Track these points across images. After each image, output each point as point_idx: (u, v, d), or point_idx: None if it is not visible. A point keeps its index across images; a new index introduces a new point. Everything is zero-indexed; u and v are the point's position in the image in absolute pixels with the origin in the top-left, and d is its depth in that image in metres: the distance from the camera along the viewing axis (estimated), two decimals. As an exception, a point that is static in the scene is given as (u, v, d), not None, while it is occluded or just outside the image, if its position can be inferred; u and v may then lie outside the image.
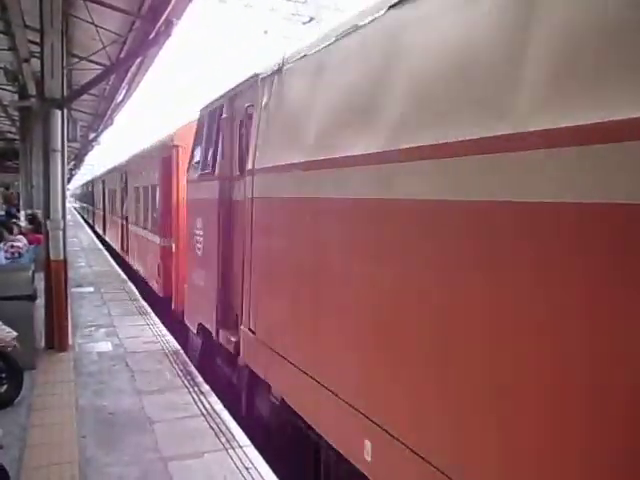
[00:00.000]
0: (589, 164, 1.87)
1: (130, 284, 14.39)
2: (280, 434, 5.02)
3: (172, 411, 5.88)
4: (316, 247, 3.98)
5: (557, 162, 1.99)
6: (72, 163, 34.43)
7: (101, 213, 28.63)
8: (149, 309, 11.18)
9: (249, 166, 5.37)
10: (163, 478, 4.50)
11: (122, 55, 11.09)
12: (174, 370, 7.28)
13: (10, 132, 23.11)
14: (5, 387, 5.96)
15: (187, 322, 8.37)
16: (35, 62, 10.33)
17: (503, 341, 2.19)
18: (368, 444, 3.09)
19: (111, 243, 23.08)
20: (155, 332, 9.28)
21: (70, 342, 8.21)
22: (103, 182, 27.47)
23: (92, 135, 22.03)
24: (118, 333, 9.11)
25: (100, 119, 19.12)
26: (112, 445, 5.04)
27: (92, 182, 39.15)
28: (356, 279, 3.35)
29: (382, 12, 3.26)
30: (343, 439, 3.57)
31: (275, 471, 4.68)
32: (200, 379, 6.95)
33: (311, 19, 21.98)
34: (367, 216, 3.24)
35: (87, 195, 46.59)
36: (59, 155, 7.72)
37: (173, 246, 10.34)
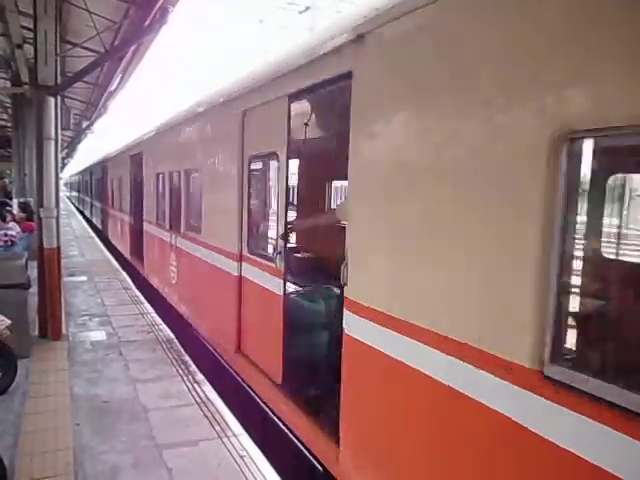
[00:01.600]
0: None
1: (123, 273, 14.36)
2: None
3: (166, 399, 5.90)
4: None
5: None
6: (65, 151, 34.14)
7: (125, 219, 16.16)
8: (142, 298, 11.17)
9: None
10: (158, 466, 4.52)
11: (116, 42, 10.98)
12: (168, 359, 7.30)
13: (2, 119, 22.87)
14: (-1, 375, 5.96)
15: None
16: (28, 48, 10.23)
17: None
18: None
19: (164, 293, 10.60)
20: (149, 321, 9.28)
21: (64, 331, 8.20)
22: (138, 159, 13.40)
23: (85, 123, 21.82)
24: (112, 322, 9.10)
25: (94, 107, 18.95)
26: (106, 433, 5.06)
27: (101, 164, 24.48)
28: None
29: None
30: None
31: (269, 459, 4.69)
32: (194, 367, 6.97)
33: (307, 8, 21.87)
34: None
35: (92, 185, 31.60)
36: (52, 143, 7.66)
37: None
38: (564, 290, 2.36)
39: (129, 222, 15.37)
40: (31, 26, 8.00)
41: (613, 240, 4.54)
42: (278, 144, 5.08)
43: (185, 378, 6.56)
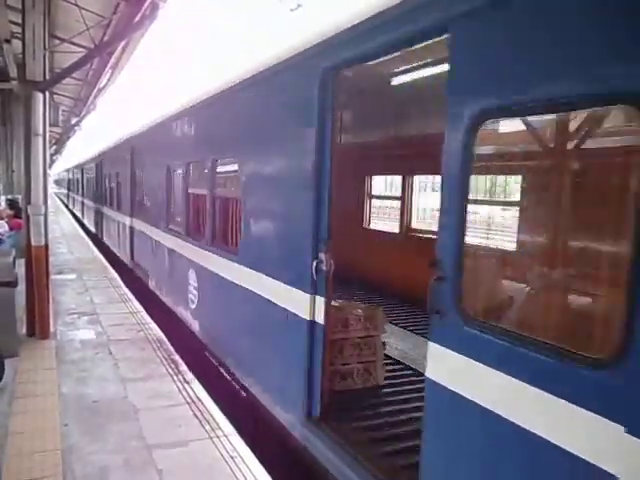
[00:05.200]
0: None
1: (112, 271, 14.22)
2: None
3: (156, 399, 5.84)
4: None
5: None
6: (53, 148, 33.82)
7: None
8: (132, 296, 11.09)
9: None
10: (147, 467, 4.47)
11: (106, 38, 10.87)
12: (158, 358, 7.23)
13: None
14: (-14, 374, 5.88)
15: None
16: (17, 43, 10.09)
17: None
18: None
19: None
20: (138, 319, 9.20)
21: (52, 330, 8.11)
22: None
23: (74, 120, 21.63)
24: (101, 320, 9.01)
25: (82, 103, 18.79)
26: (95, 433, 5.00)
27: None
28: None
29: None
30: None
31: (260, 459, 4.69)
32: (184, 367, 6.91)
33: (299, 6, 21.79)
34: None
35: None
36: (40, 139, 7.56)
37: None
38: None
39: None
40: (19, 21, 7.89)
41: None
42: None
43: (175, 377, 6.51)
